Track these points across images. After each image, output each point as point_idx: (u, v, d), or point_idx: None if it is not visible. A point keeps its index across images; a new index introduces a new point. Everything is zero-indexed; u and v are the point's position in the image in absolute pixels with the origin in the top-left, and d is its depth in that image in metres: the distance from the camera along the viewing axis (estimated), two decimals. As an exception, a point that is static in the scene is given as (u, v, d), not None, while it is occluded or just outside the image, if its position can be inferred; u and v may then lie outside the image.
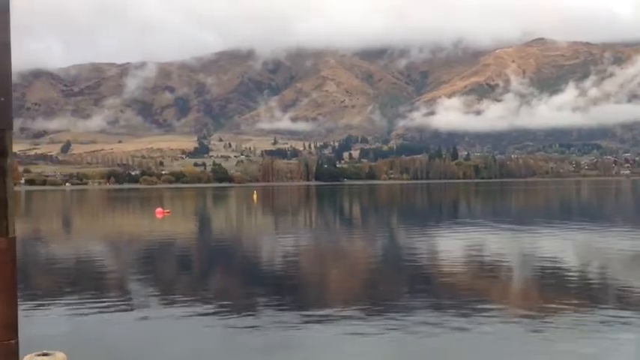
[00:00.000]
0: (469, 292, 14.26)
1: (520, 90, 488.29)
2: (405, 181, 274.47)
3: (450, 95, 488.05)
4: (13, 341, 3.64)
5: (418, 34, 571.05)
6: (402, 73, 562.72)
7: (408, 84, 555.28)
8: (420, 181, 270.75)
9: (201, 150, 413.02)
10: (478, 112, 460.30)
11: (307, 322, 11.19)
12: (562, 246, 23.95)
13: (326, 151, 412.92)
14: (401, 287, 15.46)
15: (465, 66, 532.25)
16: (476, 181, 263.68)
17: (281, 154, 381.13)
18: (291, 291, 14.99)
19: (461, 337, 10.28)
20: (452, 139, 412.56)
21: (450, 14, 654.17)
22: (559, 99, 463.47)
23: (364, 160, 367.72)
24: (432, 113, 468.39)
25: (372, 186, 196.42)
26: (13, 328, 3.65)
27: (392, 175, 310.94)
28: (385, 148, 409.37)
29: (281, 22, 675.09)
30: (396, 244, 26.66)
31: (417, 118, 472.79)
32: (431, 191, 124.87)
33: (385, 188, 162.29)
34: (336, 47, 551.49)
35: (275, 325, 11.02)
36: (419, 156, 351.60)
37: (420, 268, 18.53)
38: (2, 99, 3.70)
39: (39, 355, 3.90)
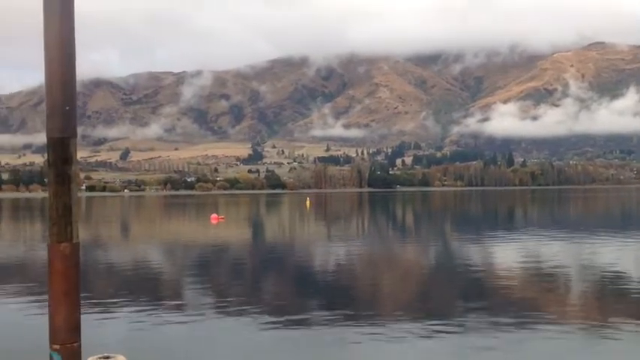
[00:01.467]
0: (525, 303, 14.02)
1: (579, 94, 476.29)
2: (459, 188, 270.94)
3: (505, 101, 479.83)
4: (76, 344, 3.73)
5: (473, 38, 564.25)
6: (456, 79, 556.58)
7: (463, 90, 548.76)
8: (474, 188, 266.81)
9: (255, 157, 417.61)
10: (535, 118, 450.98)
11: (359, 330, 11.21)
12: (623, 256, 23.25)
13: (379, 158, 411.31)
14: (454, 296, 15.31)
15: (521, 71, 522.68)
16: (532, 188, 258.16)
17: (334, 160, 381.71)
18: (343, 298, 15.02)
19: (516, 349, 10.12)
20: (507, 146, 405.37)
21: (505, 18, 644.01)
22: (619, 103, 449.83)
23: (417, 167, 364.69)
24: (486, 119, 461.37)
25: (425, 193, 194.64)
26: (76, 331, 3.74)
27: (446, 182, 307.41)
28: (439, 154, 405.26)
29: (334, 29, 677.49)
30: (450, 252, 26.38)
31: (472, 124, 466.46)
32: (486, 198, 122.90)
33: (439, 195, 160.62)
34: (389, 53, 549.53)
35: (327, 332, 11.08)
36: (473, 162, 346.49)
37: (475, 277, 18.29)
38: (67, 108, 3.80)
39: (100, 357, 3.99)
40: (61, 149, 3.75)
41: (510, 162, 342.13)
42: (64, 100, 3.77)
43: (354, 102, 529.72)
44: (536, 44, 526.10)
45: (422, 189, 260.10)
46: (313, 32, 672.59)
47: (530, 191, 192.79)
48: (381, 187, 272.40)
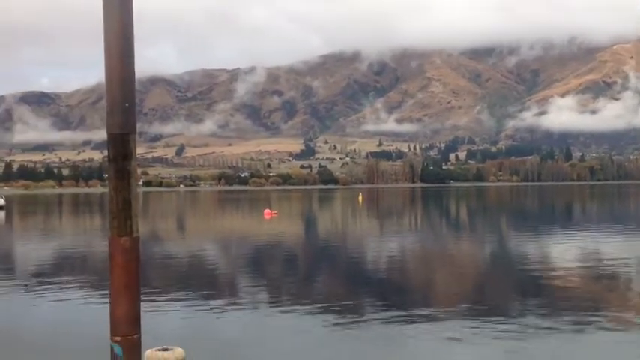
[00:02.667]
0: (582, 300, 13.69)
1: (639, 87, 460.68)
2: (514, 183, 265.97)
3: (563, 94, 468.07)
4: (136, 336, 3.80)
5: (528, 31, 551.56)
6: (511, 72, 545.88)
7: (518, 83, 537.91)
8: (530, 184, 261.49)
9: (308, 152, 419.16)
10: (594, 111, 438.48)
11: (412, 325, 11.15)
12: (687, 253, 22.41)
13: (432, 153, 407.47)
14: (510, 292, 15.06)
15: (579, 63, 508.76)
16: (591, 183, 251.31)
17: (386, 155, 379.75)
18: (396, 294, 14.98)
19: (573, 347, 9.90)
20: (565, 140, 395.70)
21: (562, 10, 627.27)
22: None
23: (471, 162, 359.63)
24: (543, 113, 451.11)
25: (479, 188, 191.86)
26: (136, 323, 3.80)
27: (501, 177, 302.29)
28: (494, 149, 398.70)
29: (386, 23, 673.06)
30: (505, 249, 25.94)
31: (528, 118, 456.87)
32: (543, 193, 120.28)
33: (494, 190, 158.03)
34: (443, 47, 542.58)
35: (379, 327, 11.07)
36: (529, 157, 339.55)
37: (531, 274, 17.95)
38: (127, 104, 3.84)
39: (159, 349, 4.03)
40: (121, 145, 3.82)
41: (568, 157, 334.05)
42: (124, 97, 3.83)
43: (406, 96, 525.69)
44: (594, 36, 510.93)
45: (476, 184, 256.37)
46: (366, 27, 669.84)
47: (589, 187, 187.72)
48: (433, 183, 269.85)
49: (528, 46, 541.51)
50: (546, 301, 13.53)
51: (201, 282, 16.74)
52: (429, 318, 11.71)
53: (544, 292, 14.99)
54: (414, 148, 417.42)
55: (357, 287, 15.93)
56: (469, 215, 55.68)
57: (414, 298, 14.54)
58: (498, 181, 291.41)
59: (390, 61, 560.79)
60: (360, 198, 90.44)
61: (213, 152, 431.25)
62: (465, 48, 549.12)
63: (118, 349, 3.73)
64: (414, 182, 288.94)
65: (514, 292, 15.17)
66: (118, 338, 3.75)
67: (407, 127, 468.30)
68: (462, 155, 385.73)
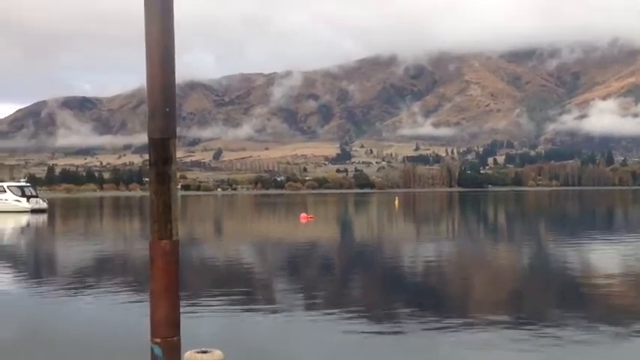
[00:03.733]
0: (625, 310, 13.41)
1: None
2: (554, 188, 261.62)
3: (604, 97, 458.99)
4: (175, 338, 3.82)
5: (569, 33, 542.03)
6: (551, 75, 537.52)
7: (558, 86, 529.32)
8: (571, 188, 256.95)
9: (344, 156, 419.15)
10: (636, 115, 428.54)
11: (448, 332, 11.07)
12: None
13: (469, 157, 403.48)
14: (550, 301, 14.84)
15: (621, 66, 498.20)
16: (633, 188, 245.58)
17: (423, 159, 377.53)
18: (432, 299, 14.88)
19: (614, 357, 9.71)
20: (606, 144, 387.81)
21: (603, 11, 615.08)
22: None
23: (510, 166, 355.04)
24: (584, 116, 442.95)
25: (518, 192, 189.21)
26: (176, 325, 3.83)
27: (540, 182, 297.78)
28: (533, 153, 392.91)
29: (423, 26, 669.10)
30: (545, 254, 25.54)
31: (568, 121, 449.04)
32: (583, 198, 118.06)
33: (533, 195, 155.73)
34: (481, 50, 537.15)
35: (415, 334, 11.02)
36: (570, 161, 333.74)
37: (571, 282, 17.65)
38: (167, 109, 3.88)
39: (198, 352, 4.07)
40: (161, 149, 3.86)
41: (610, 161, 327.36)
42: (164, 101, 3.87)
43: (443, 100, 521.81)
44: (637, 38, 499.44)
45: (515, 188, 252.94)
46: (402, 30, 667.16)
47: (631, 191, 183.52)
48: (471, 187, 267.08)
49: (569, 49, 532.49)
50: (587, 311, 13.29)
51: (238, 285, 16.88)
52: (465, 326, 11.61)
53: (585, 301, 14.73)
54: (452, 152, 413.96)
55: (393, 292, 15.88)
56: (507, 220, 54.97)
57: (451, 304, 14.43)
58: (537, 185, 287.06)
59: (427, 64, 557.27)
60: (397, 202, 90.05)
61: (250, 156, 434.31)
62: (504, 51, 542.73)
63: (158, 351, 3.76)
64: (451, 186, 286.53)
65: (554, 300, 14.94)
66: (158, 340, 3.78)
67: (444, 131, 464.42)
68: (501, 159, 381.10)
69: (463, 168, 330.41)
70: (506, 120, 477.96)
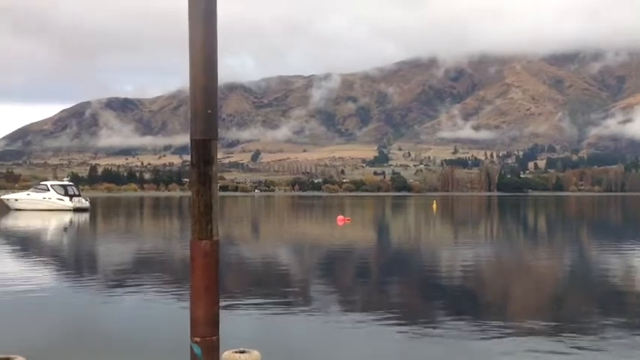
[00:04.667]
0: (670, 317, 13.07)
1: None
2: (596, 193, 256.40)
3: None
4: (215, 337, 3.85)
5: (614, 36, 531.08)
6: (595, 78, 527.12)
7: (602, 89, 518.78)
8: (613, 194, 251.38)
9: (381, 159, 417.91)
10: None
11: (486, 337, 10.96)
12: None
13: (509, 161, 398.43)
14: (590, 307, 14.56)
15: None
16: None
17: (462, 163, 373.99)
18: (470, 304, 14.75)
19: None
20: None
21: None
22: None
23: (551, 170, 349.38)
24: (628, 121, 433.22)
25: (559, 198, 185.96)
26: (215, 325, 3.85)
27: (582, 187, 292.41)
28: (575, 157, 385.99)
29: (464, 28, 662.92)
30: (586, 260, 25.07)
31: (612, 125, 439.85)
32: (627, 204, 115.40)
33: (574, 200, 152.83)
34: (523, 53, 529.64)
35: (453, 337, 10.93)
36: (613, 166, 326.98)
37: (613, 289, 17.30)
38: (209, 111, 3.91)
39: (237, 352, 4.06)
40: (203, 151, 3.89)
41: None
42: (207, 103, 3.90)
43: (483, 103, 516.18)
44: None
45: (556, 194, 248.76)
46: (442, 32, 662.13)
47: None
48: (511, 191, 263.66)
49: (614, 52, 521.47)
50: (628, 319, 13.01)
51: (275, 286, 16.99)
52: (503, 331, 11.48)
53: (626, 309, 14.41)
54: (491, 156, 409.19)
55: (431, 296, 15.78)
56: (548, 225, 54.07)
57: (489, 309, 14.28)
58: (579, 190, 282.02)
59: (467, 67, 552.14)
60: (435, 205, 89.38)
61: (288, 158, 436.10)
62: (547, 53, 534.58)
63: (197, 350, 3.78)
64: (490, 190, 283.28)
65: (594, 308, 14.66)
66: (197, 339, 3.80)
67: (484, 134, 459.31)
68: (542, 163, 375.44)
69: (503, 172, 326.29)
70: (547, 124, 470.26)
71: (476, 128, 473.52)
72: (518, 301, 15.67)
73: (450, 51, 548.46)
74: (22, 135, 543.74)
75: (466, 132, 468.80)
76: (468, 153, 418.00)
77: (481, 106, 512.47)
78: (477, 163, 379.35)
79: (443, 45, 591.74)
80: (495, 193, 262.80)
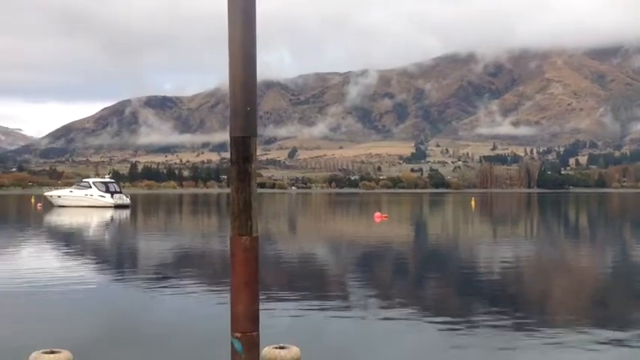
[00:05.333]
0: None
1: None
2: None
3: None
4: (255, 333, 3.86)
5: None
6: (638, 73, 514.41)
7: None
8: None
9: (418, 155, 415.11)
10: None
11: (525, 336, 10.83)
12: None
13: (550, 157, 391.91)
14: (630, 306, 14.26)
15: None
16: None
17: (501, 159, 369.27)
18: (509, 302, 14.58)
19: None
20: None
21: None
22: None
23: (593, 167, 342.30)
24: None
25: (601, 194, 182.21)
26: (255, 320, 3.88)
27: (625, 183, 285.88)
28: (617, 153, 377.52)
29: (504, 23, 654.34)
30: (629, 259, 24.53)
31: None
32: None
33: (617, 197, 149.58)
34: (564, 47, 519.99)
35: (491, 335, 10.84)
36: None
37: (658, 287, 16.89)
38: (248, 108, 3.94)
39: (276, 347, 4.08)
40: (242, 148, 3.93)
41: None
42: (246, 101, 3.93)
43: (523, 99, 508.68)
44: None
45: (598, 190, 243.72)
46: (481, 27, 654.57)
47: None
48: (551, 188, 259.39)
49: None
50: (675, 317, 12.70)
51: (313, 282, 17.06)
52: (542, 329, 11.33)
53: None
54: (531, 152, 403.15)
55: (469, 293, 15.65)
56: (590, 222, 53.06)
57: (528, 307, 14.09)
58: (622, 187, 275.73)
59: (506, 62, 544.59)
60: (473, 202, 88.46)
61: (325, 155, 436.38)
62: (588, 48, 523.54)
63: (237, 345, 3.81)
64: (530, 187, 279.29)
65: (635, 307, 14.35)
66: (237, 334, 3.83)
67: (523, 130, 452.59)
68: (583, 160, 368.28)
69: (543, 168, 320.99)
70: (589, 119, 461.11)
71: (515, 124, 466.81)
72: (558, 300, 15.44)
73: (489, 46, 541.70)
74: (64, 133, 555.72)
75: (505, 128, 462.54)
76: (507, 149, 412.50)
77: (521, 102, 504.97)
78: (516, 159, 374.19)
79: (481, 40, 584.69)
80: (535, 190, 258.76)
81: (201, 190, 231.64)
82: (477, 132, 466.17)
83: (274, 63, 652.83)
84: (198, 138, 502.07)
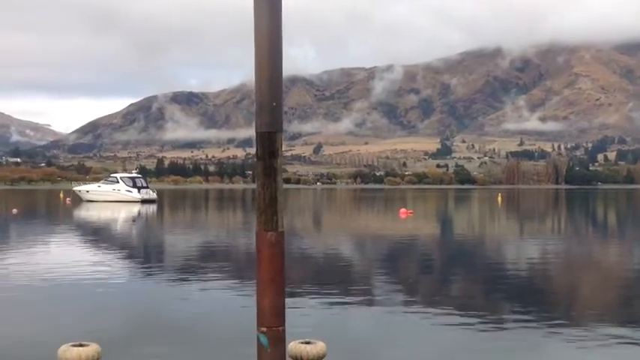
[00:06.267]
0: None
1: None
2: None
3: None
4: (281, 328, 3.87)
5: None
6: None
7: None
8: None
9: (444, 151, 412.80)
10: None
11: (554, 333, 10.71)
12: None
13: (577, 153, 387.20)
14: (665, 304, 14.02)
15: None
16: None
17: (528, 155, 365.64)
18: (536, 299, 14.42)
19: None
20: None
21: None
22: None
23: (621, 163, 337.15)
24: None
25: (630, 191, 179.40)
26: (281, 315, 3.88)
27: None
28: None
29: (531, 18, 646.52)
30: (660, 257, 24.10)
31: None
32: None
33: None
34: (592, 42, 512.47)
35: (518, 333, 10.73)
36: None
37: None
38: (274, 104, 3.92)
39: (302, 342, 4.11)
40: (268, 143, 3.92)
41: None
42: (272, 96, 3.91)
43: (550, 94, 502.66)
44: None
45: (627, 187, 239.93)
46: (508, 22, 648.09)
47: None
48: (579, 184, 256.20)
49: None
50: None
51: (338, 278, 17.06)
52: (567, 328, 11.19)
53: None
54: (559, 148, 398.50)
55: (495, 290, 15.52)
56: (618, 220, 52.26)
57: (554, 305, 13.93)
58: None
59: (533, 57, 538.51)
60: (499, 198, 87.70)
61: (350, 150, 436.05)
62: (617, 42, 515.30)
63: (263, 340, 3.83)
64: (557, 183, 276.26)
65: (670, 303, 14.11)
66: (263, 329, 3.85)
67: (551, 126, 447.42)
68: (612, 155, 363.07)
69: (571, 164, 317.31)
70: (617, 114, 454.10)
71: (542, 119, 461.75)
72: (587, 298, 15.24)
73: (516, 40, 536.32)
74: (92, 128, 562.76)
75: (532, 123, 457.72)
76: (534, 145, 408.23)
77: (548, 97, 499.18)
78: (543, 155, 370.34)
79: (508, 34, 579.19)
80: (563, 186, 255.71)
81: (226, 186, 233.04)
82: (503, 127, 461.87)
83: (299, 58, 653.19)
84: (224, 134, 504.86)
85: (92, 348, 4.28)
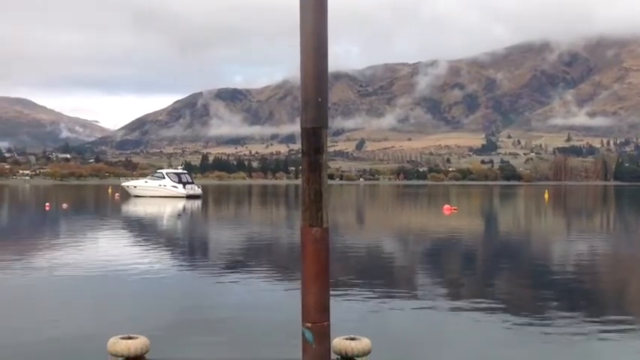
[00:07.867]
0: None
1: None
2: None
3: None
4: (325, 323, 3.88)
5: None
6: None
7: None
8: None
9: (489, 147, 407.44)
10: None
11: (601, 332, 10.48)
12: None
13: (628, 149, 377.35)
14: None
15: None
16: None
17: (575, 151, 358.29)
18: (583, 298, 14.13)
19: None
20: None
21: None
22: None
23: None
24: None
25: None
26: (326, 311, 3.90)
27: None
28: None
29: (580, 11, 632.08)
30: None
31: None
32: None
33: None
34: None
35: (564, 332, 10.53)
36: None
37: None
38: (319, 99, 3.92)
39: (347, 338, 4.11)
40: (313, 139, 3.92)
41: None
42: (317, 92, 3.91)
43: (599, 88, 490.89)
44: None
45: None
46: (556, 14, 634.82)
47: None
48: (629, 181, 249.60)
49: None
50: None
51: (382, 274, 17.02)
52: (615, 330, 10.93)
53: None
54: (608, 144, 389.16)
55: (541, 289, 15.25)
56: (671, 217, 50.74)
57: (601, 306, 13.62)
58: None
59: (582, 51, 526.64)
60: (547, 195, 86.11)
61: (393, 146, 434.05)
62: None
63: (308, 335, 3.84)
64: (606, 180, 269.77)
65: None
66: (308, 324, 3.86)
67: (600, 121, 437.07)
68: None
69: (620, 160, 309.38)
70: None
71: (591, 115, 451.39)
72: (635, 299, 14.85)
73: (564, 34, 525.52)
74: (139, 125, 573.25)
75: (580, 119, 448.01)
76: (582, 141, 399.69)
77: (597, 92, 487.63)
78: (591, 151, 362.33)
79: (556, 28, 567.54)
80: (612, 183, 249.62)
81: (269, 182, 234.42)
82: (550, 123, 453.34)
83: (342, 54, 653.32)
84: (267, 130, 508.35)
85: (141, 341, 4.34)
